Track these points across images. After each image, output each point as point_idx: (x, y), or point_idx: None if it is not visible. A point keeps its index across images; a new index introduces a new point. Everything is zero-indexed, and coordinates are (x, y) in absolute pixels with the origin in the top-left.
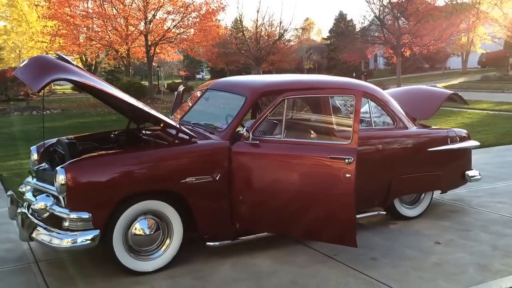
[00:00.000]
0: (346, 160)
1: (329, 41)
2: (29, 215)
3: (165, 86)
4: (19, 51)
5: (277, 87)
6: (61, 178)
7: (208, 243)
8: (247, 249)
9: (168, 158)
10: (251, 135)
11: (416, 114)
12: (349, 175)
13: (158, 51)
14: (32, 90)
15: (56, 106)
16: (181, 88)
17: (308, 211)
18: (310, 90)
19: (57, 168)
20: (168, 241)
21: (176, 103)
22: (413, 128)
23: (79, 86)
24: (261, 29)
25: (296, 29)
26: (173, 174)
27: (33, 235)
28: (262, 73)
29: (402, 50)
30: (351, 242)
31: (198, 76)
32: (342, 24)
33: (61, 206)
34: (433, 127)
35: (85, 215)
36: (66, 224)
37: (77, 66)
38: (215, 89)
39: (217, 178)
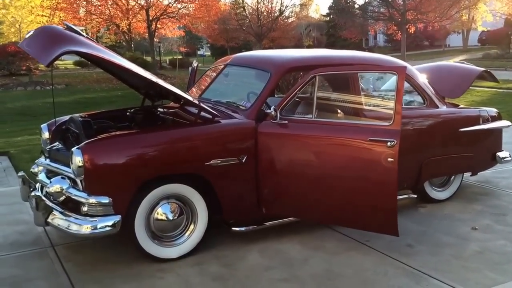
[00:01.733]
0: (389, 143)
1: (328, 18)
2: (44, 198)
3: (167, 62)
4: (18, 25)
5: (306, 62)
6: (78, 159)
7: (233, 228)
8: (273, 234)
9: (192, 139)
10: (278, 115)
11: (444, 92)
12: (392, 160)
13: (159, 26)
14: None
15: (60, 81)
16: (195, 63)
17: (343, 198)
18: (344, 67)
19: (73, 149)
20: (192, 226)
21: (191, 79)
22: (444, 108)
23: (90, 60)
24: (262, 5)
25: (295, 5)
26: (197, 156)
27: (49, 219)
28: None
29: (407, 26)
30: (392, 231)
31: (199, 52)
32: (342, 0)
33: (78, 190)
34: (461, 106)
35: (105, 200)
36: (85, 208)
37: (87, 37)
38: (235, 65)
39: (243, 161)
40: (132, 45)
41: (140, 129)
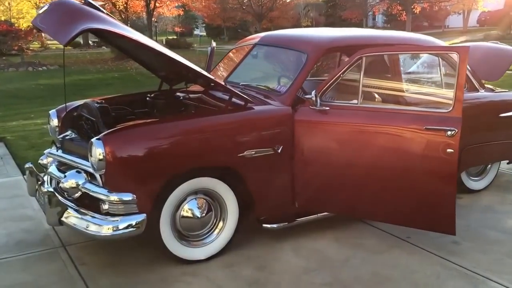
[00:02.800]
0: (449, 132)
1: None
2: (57, 195)
3: (164, 42)
4: (8, 3)
5: (346, 42)
6: (98, 152)
7: (264, 225)
8: (305, 231)
9: (225, 127)
10: (319, 100)
11: (481, 75)
12: (451, 151)
13: (158, 4)
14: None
15: (52, 62)
16: (213, 44)
17: (393, 193)
18: (393, 47)
19: (92, 140)
20: (221, 223)
21: (210, 61)
22: (482, 91)
23: (107, 38)
24: None
25: None
26: (230, 147)
27: (64, 218)
28: (261, 31)
29: (412, 7)
30: (449, 229)
31: (195, 32)
32: None
33: (97, 185)
34: (498, 89)
35: (128, 197)
36: (105, 207)
37: (107, 14)
38: (265, 45)
39: (278, 151)
40: (128, 25)
41: (165, 117)
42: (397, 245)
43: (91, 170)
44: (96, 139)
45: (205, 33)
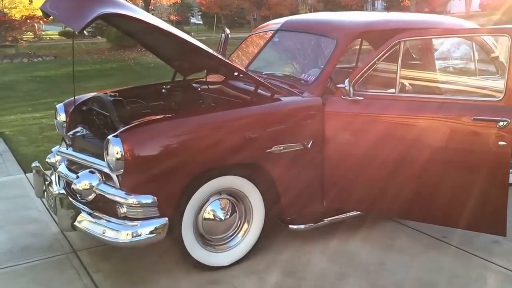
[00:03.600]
0: (500, 123)
1: None
2: (69, 197)
3: None
4: None
5: (379, 27)
6: (116, 150)
7: (291, 226)
8: (333, 231)
9: (252, 121)
10: (352, 90)
11: None
12: (503, 143)
13: None
14: (21, 36)
15: (47, 53)
16: (227, 30)
17: (436, 191)
18: (435, 31)
19: (109, 137)
20: (245, 225)
21: (224, 49)
22: None
23: (119, 25)
24: None
25: None
26: (257, 143)
27: (77, 223)
28: (260, 18)
29: None
30: (499, 230)
31: (192, 20)
32: None
33: (113, 187)
34: None
35: (149, 199)
36: (123, 210)
37: None
38: (288, 30)
39: (308, 146)
40: None
41: (187, 111)
42: (433, 245)
43: (106, 170)
44: (113, 136)
45: (201, 22)
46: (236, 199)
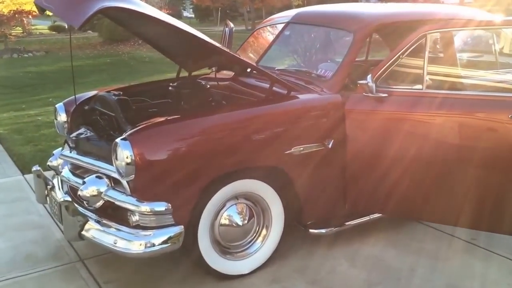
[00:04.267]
0: None
1: None
2: (76, 205)
3: None
4: None
5: (398, 18)
6: (125, 154)
7: (311, 231)
8: (355, 235)
9: (270, 120)
10: (374, 86)
11: None
12: None
13: None
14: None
15: (38, 48)
16: (230, 24)
17: (472, 193)
18: (463, 22)
19: (117, 141)
20: (264, 231)
21: (229, 44)
22: None
23: (120, 20)
24: None
25: None
26: (276, 144)
27: (85, 232)
28: (254, 11)
29: None
30: None
31: (185, 14)
32: None
33: (124, 193)
34: None
35: (163, 206)
36: (135, 218)
37: None
38: (300, 23)
39: (329, 146)
40: None
41: (200, 110)
42: (464, 249)
43: (115, 175)
44: (122, 139)
45: (193, 15)
46: (254, 204)
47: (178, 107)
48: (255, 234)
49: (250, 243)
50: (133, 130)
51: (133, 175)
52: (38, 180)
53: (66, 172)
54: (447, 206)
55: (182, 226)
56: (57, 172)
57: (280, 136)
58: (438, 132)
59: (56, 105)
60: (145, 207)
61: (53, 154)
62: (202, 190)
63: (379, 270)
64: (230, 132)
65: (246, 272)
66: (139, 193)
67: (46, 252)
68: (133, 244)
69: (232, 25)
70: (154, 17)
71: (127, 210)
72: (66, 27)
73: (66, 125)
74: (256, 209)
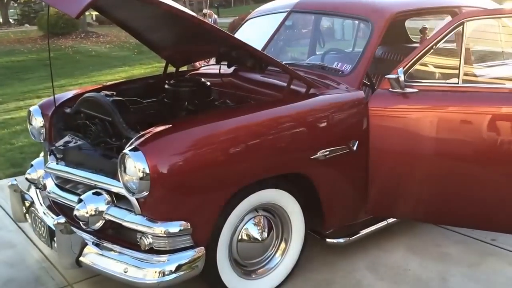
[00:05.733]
0: None
1: None
2: (71, 227)
3: (94, 18)
4: None
5: (421, 5)
6: (139, 167)
7: (329, 241)
8: (371, 241)
9: (293, 122)
10: (403, 81)
11: None
12: None
13: None
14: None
15: None
16: (214, 16)
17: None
18: (504, 10)
19: (126, 151)
20: (283, 244)
21: None
22: None
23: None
24: None
25: None
26: (302, 148)
27: (83, 258)
28: None
29: None
30: None
31: None
32: None
33: (130, 211)
34: None
35: (181, 226)
36: (147, 241)
37: None
38: (304, 11)
39: (354, 148)
40: None
41: (214, 112)
42: (489, 251)
43: (122, 191)
44: (132, 149)
45: None
46: (273, 215)
47: (181, 108)
48: (274, 248)
49: (269, 258)
50: (143, 138)
51: (147, 192)
52: (15, 195)
53: (52, 187)
54: (484, 211)
55: (203, 248)
56: (37, 186)
57: (306, 140)
58: (480, 131)
59: (31, 108)
60: (160, 228)
61: (32, 165)
62: (224, 205)
63: (409, 282)
64: (253, 136)
65: None
66: (152, 212)
67: (26, 276)
68: (147, 272)
69: (215, 16)
70: (160, 2)
71: (134, 231)
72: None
73: (44, 130)
74: (275, 221)
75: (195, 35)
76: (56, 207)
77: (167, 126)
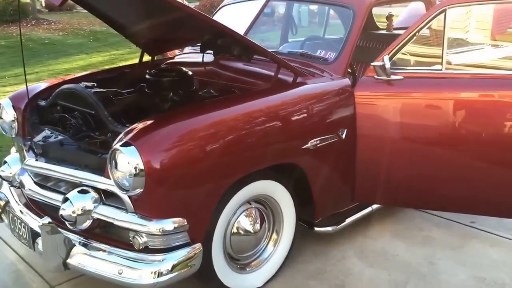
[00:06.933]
0: None
1: None
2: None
3: (43, 5)
4: None
5: None
6: (133, 163)
7: (317, 229)
8: (355, 229)
9: (286, 111)
10: (389, 68)
11: None
12: None
13: None
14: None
15: None
16: (185, 1)
17: (495, 180)
18: None
19: (118, 146)
20: (274, 235)
21: None
22: None
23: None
24: None
25: None
26: (294, 138)
27: (71, 260)
28: None
29: None
30: None
31: None
32: None
33: (122, 209)
34: None
35: (177, 223)
36: (142, 240)
37: None
38: None
39: (343, 136)
40: None
41: (206, 103)
42: (470, 234)
43: (111, 189)
44: (123, 144)
45: None
46: (264, 207)
47: (166, 99)
48: (266, 240)
49: (262, 250)
50: (134, 132)
51: (141, 189)
52: None
53: (31, 185)
54: (467, 195)
55: (200, 244)
56: (12, 184)
57: (298, 129)
58: (461, 117)
59: (1, 101)
60: (156, 226)
61: (5, 162)
62: (220, 199)
63: (398, 268)
64: (250, 126)
65: (260, 284)
66: (147, 209)
67: (2, 280)
68: (142, 273)
69: (186, 2)
70: None
71: (125, 230)
72: None
73: (16, 124)
74: (266, 212)
75: (176, 21)
76: (34, 206)
77: (157, 119)
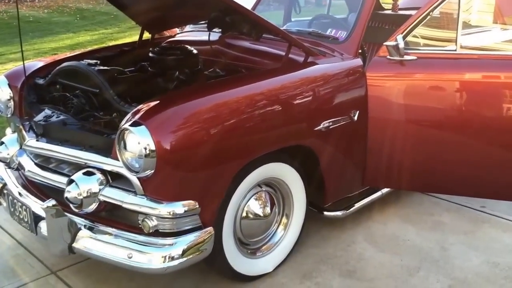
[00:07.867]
0: None
1: None
2: (62, 210)
3: None
4: None
5: None
6: (144, 144)
7: (326, 214)
8: (365, 214)
9: (299, 92)
10: (403, 48)
11: None
12: None
13: None
14: None
15: None
16: None
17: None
18: None
19: (127, 126)
20: (284, 219)
21: None
22: None
23: None
24: None
25: None
26: (307, 119)
27: (77, 244)
28: None
29: None
30: None
31: None
32: None
33: (130, 192)
34: None
35: (189, 206)
36: (152, 223)
37: None
38: None
39: (355, 118)
40: None
41: (217, 83)
42: (481, 219)
43: (119, 170)
44: (133, 124)
45: None
46: (274, 190)
47: (171, 78)
48: (276, 224)
49: (272, 234)
50: (144, 112)
51: (152, 170)
52: None
53: (31, 167)
54: (482, 179)
55: (212, 228)
56: (10, 165)
57: (310, 110)
58: (477, 98)
59: None
60: (167, 209)
61: (2, 143)
62: (231, 182)
63: (410, 253)
64: (262, 106)
65: (271, 269)
66: (157, 192)
67: (4, 266)
68: (153, 257)
69: None
70: None
71: (133, 212)
72: None
73: (12, 103)
74: (276, 196)
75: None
76: (34, 188)
77: (166, 99)
